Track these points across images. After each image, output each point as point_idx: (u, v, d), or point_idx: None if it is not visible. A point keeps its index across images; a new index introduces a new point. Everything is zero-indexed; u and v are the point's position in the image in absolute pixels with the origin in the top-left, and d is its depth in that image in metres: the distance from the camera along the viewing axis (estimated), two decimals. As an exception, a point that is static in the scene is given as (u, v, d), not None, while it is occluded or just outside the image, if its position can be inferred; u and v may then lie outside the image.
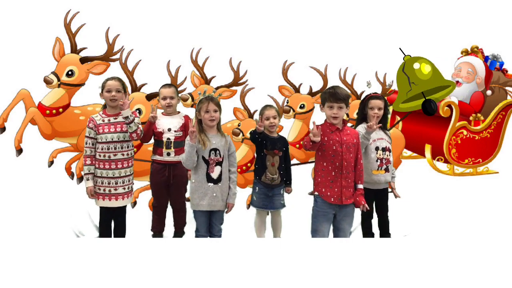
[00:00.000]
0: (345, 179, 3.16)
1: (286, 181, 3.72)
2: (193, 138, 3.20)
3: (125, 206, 3.59)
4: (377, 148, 3.65)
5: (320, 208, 3.20)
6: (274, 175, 3.61)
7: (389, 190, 3.81)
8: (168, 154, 3.72)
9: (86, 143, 3.49)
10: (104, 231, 3.58)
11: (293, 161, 4.42)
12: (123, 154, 3.50)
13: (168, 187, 3.76)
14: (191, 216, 3.75)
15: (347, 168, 3.16)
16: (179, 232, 3.89)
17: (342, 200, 3.16)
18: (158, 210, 3.83)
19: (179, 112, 3.87)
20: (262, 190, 3.65)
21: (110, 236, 3.59)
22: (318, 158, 3.20)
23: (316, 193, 3.23)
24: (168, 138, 3.72)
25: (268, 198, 3.65)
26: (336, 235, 3.27)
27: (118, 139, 3.48)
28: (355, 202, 3.23)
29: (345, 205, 3.18)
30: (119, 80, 3.56)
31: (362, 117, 3.77)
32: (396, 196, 3.79)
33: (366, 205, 3.21)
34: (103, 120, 3.49)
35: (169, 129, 3.73)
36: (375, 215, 3.80)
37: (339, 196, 3.16)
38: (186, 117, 3.86)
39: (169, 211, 3.88)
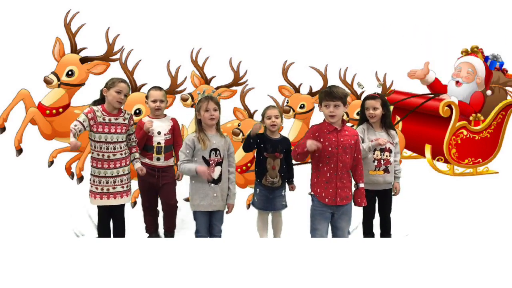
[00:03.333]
0: (340, 180, 3.16)
1: (289, 179, 3.70)
2: (206, 176, 3.22)
3: (123, 205, 3.58)
4: (374, 149, 3.65)
5: (317, 207, 3.20)
6: (275, 178, 3.59)
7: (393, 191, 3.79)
8: (158, 159, 3.69)
9: (75, 125, 3.26)
10: (102, 231, 3.57)
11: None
12: (121, 154, 3.49)
13: (157, 190, 3.75)
14: (185, 219, 3.76)
15: (342, 169, 3.15)
16: (168, 235, 3.87)
17: (337, 201, 3.16)
18: (149, 211, 3.82)
19: (165, 115, 3.82)
20: (262, 192, 3.64)
21: (109, 236, 3.58)
22: (314, 159, 3.20)
23: (312, 193, 3.24)
24: (159, 143, 3.68)
25: (269, 200, 3.64)
26: (334, 233, 3.28)
27: (117, 140, 3.46)
28: (355, 201, 3.24)
29: (341, 205, 3.19)
30: (129, 85, 3.55)
31: (363, 118, 3.78)
32: (394, 193, 3.77)
33: (363, 205, 3.27)
34: (104, 119, 3.44)
35: (159, 133, 3.70)
36: (376, 215, 3.79)
37: (334, 197, 3.16)
38: (174, 120, 3.82)
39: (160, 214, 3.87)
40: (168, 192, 3.74)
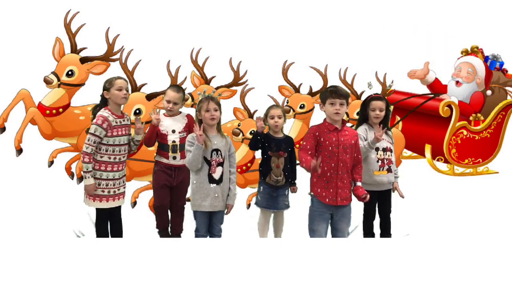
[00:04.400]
0: (341, 180, 3.16)
1: (291, 180, 3.71)
2: (201, 141, 3.20)
3: (120, 206, 3.57)
4: (377, 149, 3.64)
5: (316, 208, 3.20)
6: (279, 177, 3.60)
7: (393, 191, 3.79)
8: (174, 158, 3.66)
9: (90, 140, 3.34)
10: (100, 232, 3.57)
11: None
12: (124, 156, 3.50)
13: (171, 189, 3.73)
14: (188, 220, 3.75)
15: (343, 169, 3.15)
16: (175, 237, 3.85)
17: (337, 201, 3.16)
18: (160, 211, 3.79)
19: (180, 112, 3.78)
20: (266, 190, 3.64)
21: (107, 236, 3.57)
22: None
23: (312, 193, 3.23)
24: (174, 141, 3.64)
25: (273, 199, 3.64)
26: (334, 235, 3.27)
27: (125, 141, 3.49)
28: (356, 196, 3.22)
29: (341, 205, 3.18)
30: (126, 80, 3.55)
31: (363, 118, 3.76)
32: (400, 196, 3.76)
33: (367, 194, 3.18)
34: (116, 122, 3.43)
35: (174, 131, 3.67)
36: (377, 216, 3.79)
37: (334, 196, 3.15)
38: (189, 116, 3.77)
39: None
40: (180, 192, 3.73)
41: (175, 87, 3.76)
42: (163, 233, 3.80)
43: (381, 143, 3.65)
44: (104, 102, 3.51)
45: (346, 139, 3.17)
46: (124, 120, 3.49)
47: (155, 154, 3.77)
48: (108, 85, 3.45)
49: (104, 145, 3.41)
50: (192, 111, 4.29)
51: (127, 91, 3.48)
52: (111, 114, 3.43)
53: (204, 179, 3.30)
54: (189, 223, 3.75)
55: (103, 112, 3.41)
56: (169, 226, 3.84)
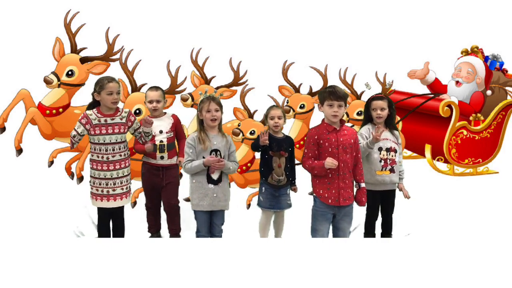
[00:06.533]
0: (342, 180, 3.15)
1: (291, 180, 3.71)
2: (217, 167, 3.27)
3: (123, 206, 3.57)
4: (380, 149, 3.63)
5: (319, 208, 3.20)
6: (281, 177, 3.59)
7: (398, 191, 3.78)
8: (162, 157, 3.68)
9: (74, 137, 3.37)
10: (102, 232, 3.57)
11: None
12: (120, 155, 3.45)
13: (161, 189, 3.73)
14: (187, 220, 3.76)
15: (344, 169, 3.15)
16: (174, 236, 3.85)
17: (340, 201, 3.16)
18: (152, 211, 3.81)
19: (165, 113, 3.80)
20: (268, 191, 3.63)
21: (109, 236, 3.57)
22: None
23: (314, 194, 3.23)
24: (161, 141, 3.66)
25: (275, 199, 3.63)
26: (335, 234, 3.28)
27: (116, 140, 3.42)
28: (357, 201, 3.24)
29: (344, 205, 3.18)
30: (117, 81, 3.49)
31: (367, 118, 3.76)
32: (406, 196, 3.75)
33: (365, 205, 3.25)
34: (99, 121, 3.40)
35: (161, 131, 3.68)
36: (379, 215, 3.78)
37: (337, 197, 3.15)
38: (175, 116, 3.80)
39: (164, 215, 3.85)
40: (170, 192, 3.73)
41: (153, 87, 3.79)
42: (154, 235, 3.82)
43: (385, 143, 3.64)
44: (96, 102, 3.47)
45: (345, 138, 3.17)
46: (113, 119, 3.42)
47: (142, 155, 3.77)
48: (98, 88, 3.40)
49: (91, 143, 3.42)
50: (192, 111, 4.31)
51: (118, 94, 3.42)
52: (96, 113, 3.40)
53: (202, 179, 3.30)
54: (187, 223, 3.76)
55: (88, 111, 3.43)
56: (160, 229, 3.85)
